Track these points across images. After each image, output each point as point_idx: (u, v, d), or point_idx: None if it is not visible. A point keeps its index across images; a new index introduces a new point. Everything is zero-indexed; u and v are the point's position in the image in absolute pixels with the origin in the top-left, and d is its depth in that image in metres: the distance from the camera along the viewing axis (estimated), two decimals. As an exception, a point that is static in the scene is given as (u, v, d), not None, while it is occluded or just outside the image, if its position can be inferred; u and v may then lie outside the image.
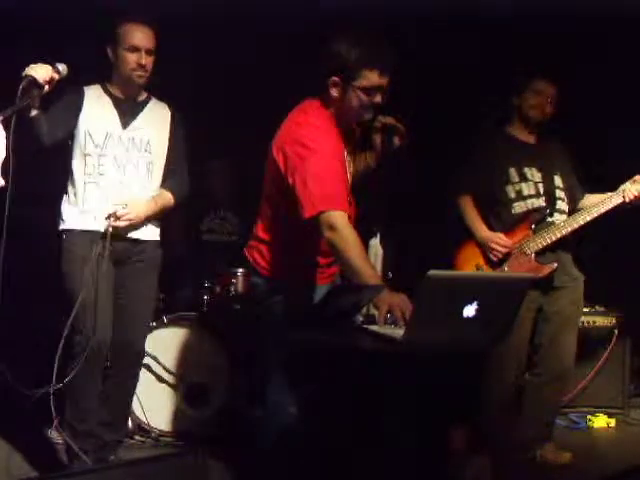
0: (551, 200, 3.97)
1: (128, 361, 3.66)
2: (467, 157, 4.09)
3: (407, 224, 4.94)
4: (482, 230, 3.99)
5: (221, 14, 4.63)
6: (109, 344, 3.52)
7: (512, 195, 3.97)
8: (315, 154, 2.91)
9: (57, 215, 3.60)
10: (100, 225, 3.52)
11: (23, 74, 3.00)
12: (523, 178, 3.98)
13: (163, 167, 3.68)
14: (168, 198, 3.70)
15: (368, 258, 3.02)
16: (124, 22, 3.53)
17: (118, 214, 3.50)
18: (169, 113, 3.73)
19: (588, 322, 4.90)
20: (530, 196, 3.96)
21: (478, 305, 2.55)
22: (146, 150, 3.61)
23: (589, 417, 4.77)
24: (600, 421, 4.74)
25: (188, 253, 4.99)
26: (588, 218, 3.87)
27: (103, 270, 3.50)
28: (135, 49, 3.49)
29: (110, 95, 3.62)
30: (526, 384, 4.03)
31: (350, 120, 3.10)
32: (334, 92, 3.00)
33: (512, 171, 3.98)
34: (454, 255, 4.07)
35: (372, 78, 2.94)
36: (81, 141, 3.53)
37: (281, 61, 4.91)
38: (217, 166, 5.25)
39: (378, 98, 2.99)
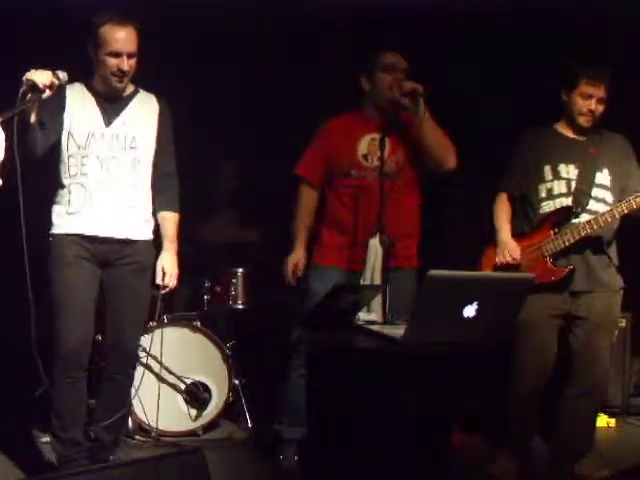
0: (581, 199, 3.75)
1: (121, 362, 3.60)
2: (510, 158, 3.94)
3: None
4: (503, 233, 3.86)
5: (222, 13, 4.63)
6: (85, 349, 3.46)
7: (543, 194, 3.80)
8: None
9: (47, 218, 3.52)
10: (86, 228, 3.45)
11: (23, 78, 2.99)
12: (556, 176, 3.79)
13: (151, 163, 3.57)
14: (174, 219, 3.67)
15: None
16: (104, 22, 3.33)
17: (165, 283, 3.60)
18: (157, 106, 3.59)
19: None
20: (560, 195, 3.78)
21: (478, 305, 2.55)
22: (131, 147, 3.49)
23: (589, 417, 4.76)
24: (600, 421, 4.72)
25: (190, 254, 4.98)
26: (602, 223, 3.64)
27: (86, 273, 3.47)
28: (116, 54, 3.34)
29: (93, 92, 3.49)
30: (561, 397, 3.82)
31: None
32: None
33: (547, 169, 3.81)
34: (481, 253, 3.95)
35: None
36: (64, 143, 3.45)
37: (286, 64, 4.91)
38: (224, 168, 5.24)
39: None
